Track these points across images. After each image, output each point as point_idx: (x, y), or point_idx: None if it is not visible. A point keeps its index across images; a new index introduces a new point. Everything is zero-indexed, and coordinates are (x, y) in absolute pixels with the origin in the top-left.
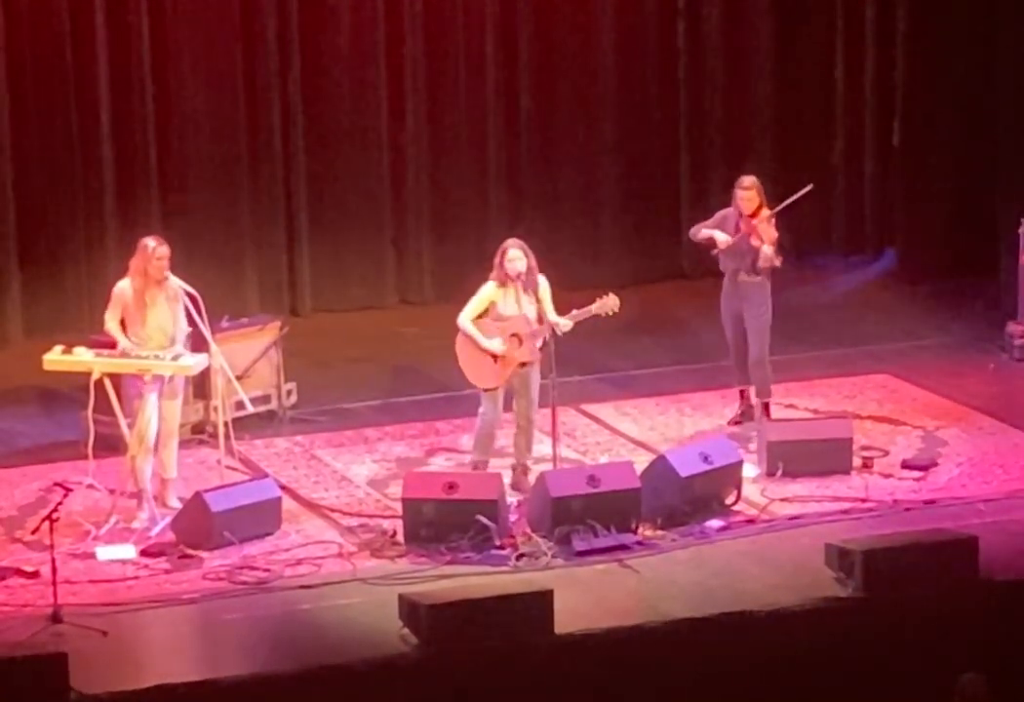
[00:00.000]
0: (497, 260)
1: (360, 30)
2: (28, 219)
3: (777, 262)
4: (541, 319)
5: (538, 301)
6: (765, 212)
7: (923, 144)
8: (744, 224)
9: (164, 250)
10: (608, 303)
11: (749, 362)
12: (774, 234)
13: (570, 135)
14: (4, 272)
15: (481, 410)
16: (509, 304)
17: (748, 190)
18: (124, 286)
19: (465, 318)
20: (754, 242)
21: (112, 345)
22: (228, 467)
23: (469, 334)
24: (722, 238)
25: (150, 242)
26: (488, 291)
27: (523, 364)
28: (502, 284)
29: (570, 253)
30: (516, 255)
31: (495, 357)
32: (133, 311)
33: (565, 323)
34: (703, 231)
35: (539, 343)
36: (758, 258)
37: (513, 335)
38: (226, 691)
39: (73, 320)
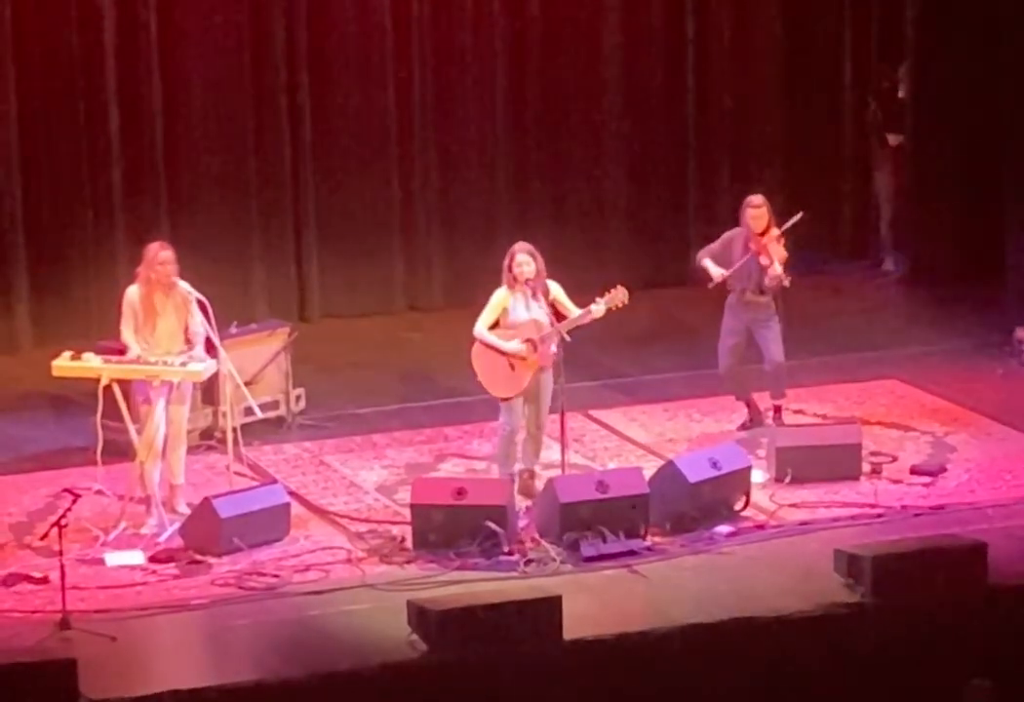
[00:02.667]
0: (506, 264)
1: (368, 38)
2: (36, 226)
3: (786, 281)
4: (552, 322)
5: (550, 304)
6: (775, 231)
7: (931, 149)
8: (754, 242)
9: (167, 254)
10: (618, 295)
11: (766, 364)
12: (784, 253)
13: (578, 142)
14: (13, 279)
15: (501, 421)
16: (519, 309)
17: (759, 208)
18: (132, 292)
19: (481, 327)
20: (763, 261)
21: (121, 351)
22: (237, 473)
23: (488, 341)
24: (716, 272)
25: (152, 247)
26: (500, 297)
27: (539, 369)
28: (512, 289)
29: (578, 259)
30: (523, 259)
31: (512, 365)
32: (142, 317)
33: (598, 309)
34: (703, 262)
35: (553, 347)
36: (765, 277)
37: (527, 340)
38: (235, 697)
39: (82, 326)
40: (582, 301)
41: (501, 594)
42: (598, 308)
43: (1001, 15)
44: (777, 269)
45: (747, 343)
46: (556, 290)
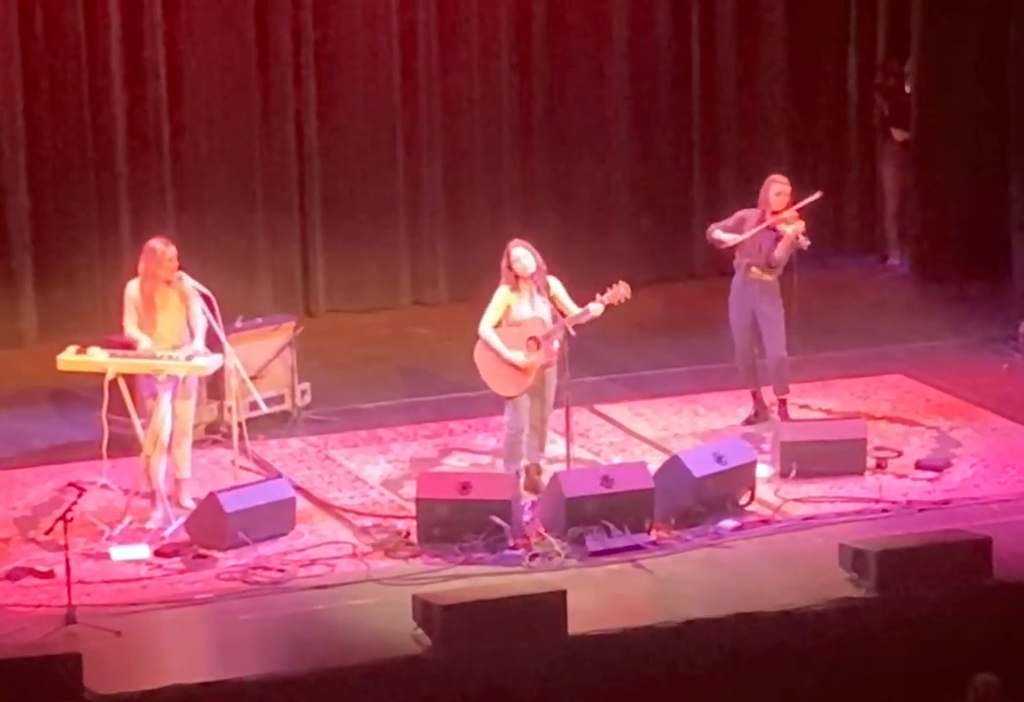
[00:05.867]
0: (504, 263)
1: (374, 31)
2: (42, 219)
3: (804, 243)
4: (556, 318)
5: (551, 300)
6: (791, 212)
7: (937, 144)
8: (770, 217)
9: (172, 251)
10: (620, 291)
11: (767, 359)
12: (802, 224)
13: (583, 136)
14: (19, 272)
15: (506, 419)
16: (523, 307)
17: (785, 186)
18: (133, 288)
19: (487, 327)
20: (780, 228)
21: (126, 345)
22: (242, 467)
23: (492, 345)
24: (728, 237)
25: (157, 244)
26: (503, 296)
27: (543, 366)
28: (514, 287)
29: (584, 254)
30: (521, 253)
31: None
32: (143, 313)
33: (596, 307)
34: (715, 233)
35: (555, 344)
36: (776, 249)
37: (530, 339)
38: (239, 691)
39: (87, 320)
40: (587, 297)
41: (506, 589)
42: (596, 307)
43: (1008, 11)
44: (797, 229)
45: (757, 327)
46: (556, 286)
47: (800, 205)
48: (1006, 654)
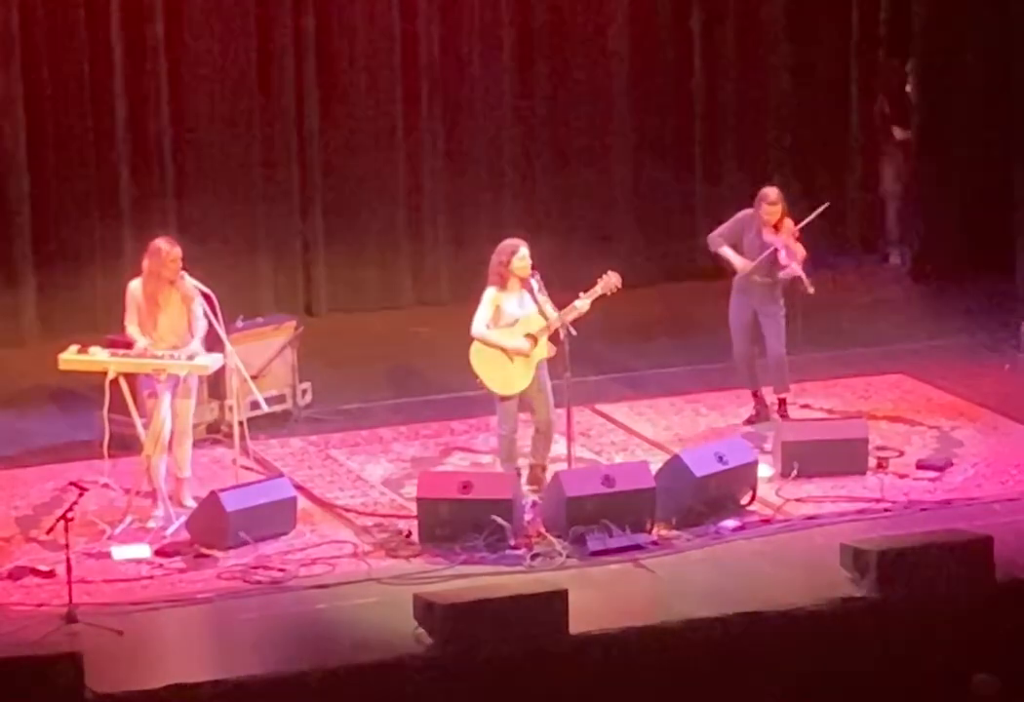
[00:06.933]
0: (503, 260)
1: (375, 33)
2: (43, 219)
3: (810, 289)
4: (545, 316)
5: (536, 301)
6: (789, 223)
7: (938, 143)
8: (768, 232)
9: (177, 251)
10: (611, 281)
11: (767, 359)
12: (803, 252)
13: (585, 136)
14: (20, 272)
15: (498, 421)
16: (511, 306)
17: (774, 205)
18: (136, 287)
19: (479, 327)
20: (783, 260)
21: (128, 345)
22: (243, 467)
23: (490, 340)
24: (739, 264)
25: (162, 244)
26: (491, 296)
27: (539, 364)
28: (502, 287)
29: (585, 253)
30: (527, 253)
31: (513, 362)
32: (144, 312)
33: (582, 303)
34: (722, 250)
35: (552, 334)
36: (779, 270)
37: (527, 335)
38: (240, 691)
39: (88, 320)
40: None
41: (507, 588)
42: (582, 303)
43: (1009, 10)
44: (796, 269)
45: (757, 328)
46: (539, 286)
47: (806, 221)
48: (1006, 654)
